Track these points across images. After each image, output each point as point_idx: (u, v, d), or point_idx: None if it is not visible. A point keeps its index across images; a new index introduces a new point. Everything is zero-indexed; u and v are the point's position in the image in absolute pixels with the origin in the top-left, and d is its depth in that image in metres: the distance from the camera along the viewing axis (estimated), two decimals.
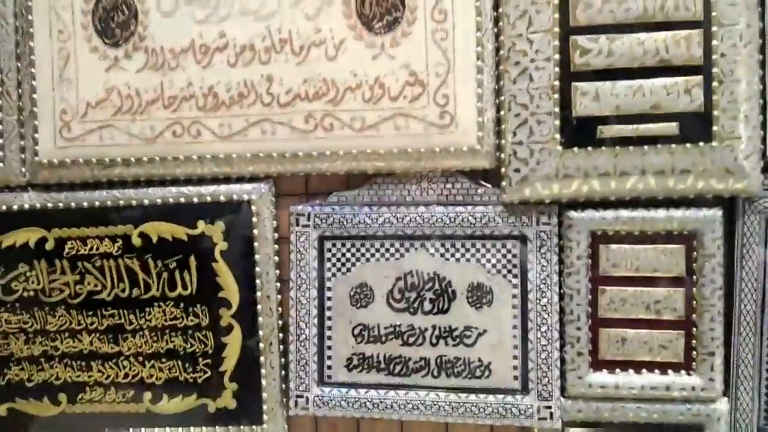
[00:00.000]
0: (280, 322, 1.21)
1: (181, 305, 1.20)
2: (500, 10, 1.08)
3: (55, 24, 1.18)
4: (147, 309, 1.21)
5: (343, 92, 1.13)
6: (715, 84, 1.02)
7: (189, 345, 1.21)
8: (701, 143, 1.03)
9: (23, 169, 1.21)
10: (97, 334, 1.22)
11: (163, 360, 1.22)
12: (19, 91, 1.20)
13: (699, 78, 1.03)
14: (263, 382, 1.20)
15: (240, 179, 1.18)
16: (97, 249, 1.21)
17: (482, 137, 1.10)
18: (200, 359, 1.21)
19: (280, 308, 1.20)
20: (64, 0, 1.17)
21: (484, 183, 1.14)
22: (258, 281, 1.18)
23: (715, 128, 1.02)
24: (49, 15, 1.18)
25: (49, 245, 1.21)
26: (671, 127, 1.03)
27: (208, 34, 1.15)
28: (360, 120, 1.12)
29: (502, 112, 1.10)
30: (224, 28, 1.14)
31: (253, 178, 1.18)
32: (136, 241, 1.20)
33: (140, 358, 1.22)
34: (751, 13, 1.02)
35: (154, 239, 1.20)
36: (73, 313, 1.22)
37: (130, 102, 1.17)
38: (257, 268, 1.18)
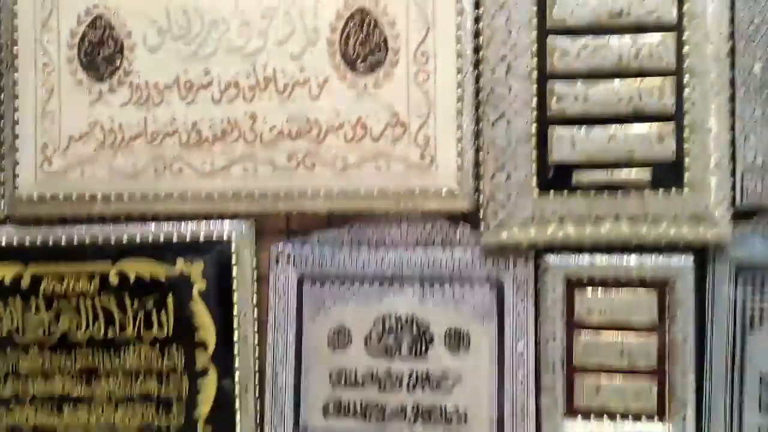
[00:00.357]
0: (257, 365, 1.33)
1: (157, 346, 1.33)
2: (480, 54, 1.23)
3: (41, 57, 1.34)
4: (122, 350, 1.33)
5: (325, 131, 1.27)
6: (686, 133, 1.16)
7: (163, 389, 1.33)
8: (673, 191, 1.17)
9: (2, 204, 1.36)
10: (70, 376, 1.35)
11: (137, 404, 1.34)
12: (1, 124, 1.35)
13: (671, 126, 1.17)
14: (237, 427, 1.32)
15: (221, 217, 1.32)
16: (74, 287, 1.34)
17: (461, 180, 1.24)
18: (174, 403, 1.33)
19: (257, 350, 1.33)
20: (50, 33, 1.33)
21: (462, 225, 1.28)
22: (236, 322, 1.31)
23: (686, 176, 1.16)
24: (35, 48, 1.34)
25: (25, 282, 1.35)
26: (644, 175, 1.18)
27: (193, 70, 1.30)
28: (342, 160, 1.27)
29: (481, 155, 1.24)
30: (209, 65, 1.30)
31: (234, 216, 1.32)
32: (114, 279, 1.33)
33: (113, 402, 1.35)
34: (722, 64, 1.16)
35: (132, 278, 1.33)
36: (46, 354, 1.35)
37: (113, 137, 1.32)
38: (235, 309, 1.31)
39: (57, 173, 1.36)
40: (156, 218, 1.36)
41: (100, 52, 1.35)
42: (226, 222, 1.35)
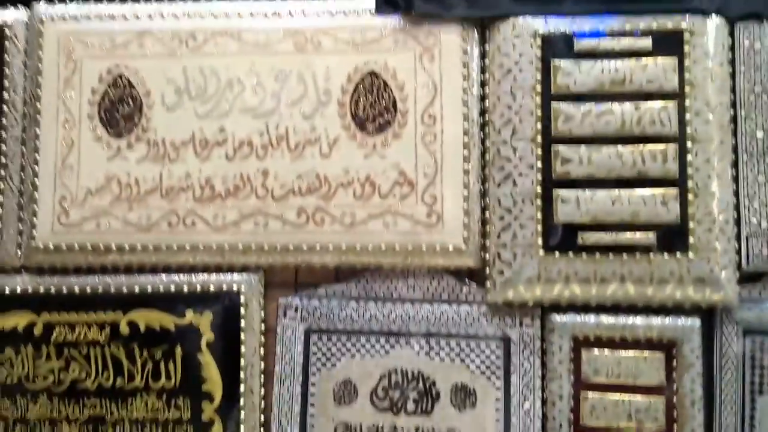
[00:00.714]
0: (263, 417, 1.23)
1: (164, 397, 1.23)
2: (486, 117, 1.19)
3: (62, 113, 1.28)
4: (129, 399, 1.24)
5: (335, 188, 1.21)
6: (690, 197, 1.10)
7: None
8: (678, 254, 1.10)
9: (19, 253, 1.28)
10: (77, 425, 1.25)
11: None
12: (22, 175, 1.29)
13: (675, 191, 1.11)
14: None
15: (231, 269, 1.25)
16: (85, 336, 1.25)
17: (468, 237, 1.17)
18: None
19: (262, 402, 1.24)
20: (72, 91, 1.28)
21: (469, 282, 1.20)
22: (242, 374, 1.22)
23: (691, 240, 1.09)
24: (57, 104, 1.28)
25: (38, 330, 1.26)
26: (649, 237, 1.11)
27: (208, 128, 1.25)
28: (350, 216, 1.20)
29: (487, 214, 1.17)
30: (224, 123, 1.24)
31: (243, 269, 1.24)
32: (124, 328, 1.25)
33: None
34: (724, 131, 1.12)
35: (142, 327, 1.25)
36: (54, 402, 1.25)
37: (129, 191, 1.25)
38: (242, 361, 1.22)
39: (73, 225, 1.28)
40: (168, 270, 1.28)
41: (119, 110, 1.29)
42: (236, 274, 1.27)
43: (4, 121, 1.30)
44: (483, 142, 1.20)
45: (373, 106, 1.23)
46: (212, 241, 1.24)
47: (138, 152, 1.27)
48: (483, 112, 1.21)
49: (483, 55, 1.22)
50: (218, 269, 1.26)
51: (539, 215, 1.15)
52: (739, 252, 1.12)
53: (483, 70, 1.22)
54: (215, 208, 1.24)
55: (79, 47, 1.29)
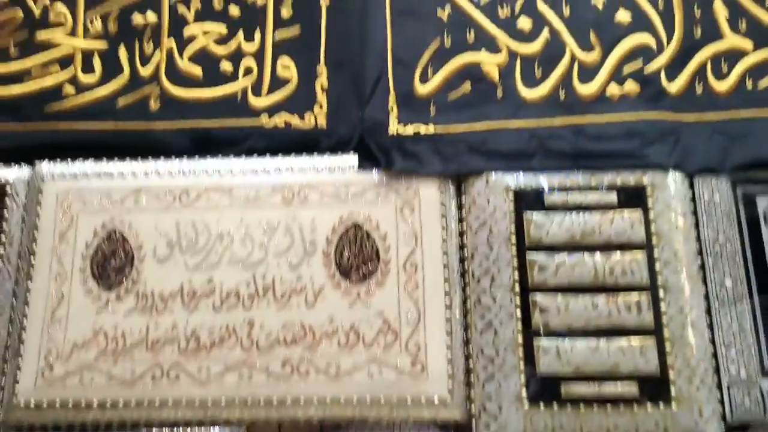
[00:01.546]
0: None
1: None
2: (466, 265, 1.21)
3: (55, 267, 1.30)
4: None
5: (319, 338, 1.21)
6: (668, 347, 1.10)
7: None
8: (662, 405, 1.08)
9: None
10: None
11: None
12: (10, 328, 1.27)
13: (652, 340, 1.11)
14: None
15: (214, 424, 1.20)
16: None
17: (453, 388, 1.15)
18: None
19: None
20: (66, 245, 1.31)
21: None
22: None
23: (673, 391, 1.08)
24: (51, 258, 1.30)
25: None
26: (632, 388, 1.09)
27: (197, 280, 1.26)
28: (335, 366, 1.19)
29: (471, 362, 1.16)
30: (213, 274, 1.27)
31: (227, 423, 1.20)
32: None
33: None
34: (694, 280, 1.14)
35: None
36: None
37: (114, 344, 1.24)
38: None
39: (57, 380, 1.26)
40: (149, 425, 1.24)
41: (111, 263, 1.32)
42: (218, 428, 1.23)
43: None
44: (464, 289, 1.22)
45: (356, 255, 1.26)
46: (195, 396, 1.22)
47: (126, 304, 1.28)
48: (462, 260, 1.24)
49: (460, 206, 1.27)
50: (200, 424, 1.22)
51: (522, 365, 1.14)
52: (722, 401, 1.10)
53: (461, 220, 1.26)
54: (200, 361, 1.23)
55: (77, 203, 1.34)
